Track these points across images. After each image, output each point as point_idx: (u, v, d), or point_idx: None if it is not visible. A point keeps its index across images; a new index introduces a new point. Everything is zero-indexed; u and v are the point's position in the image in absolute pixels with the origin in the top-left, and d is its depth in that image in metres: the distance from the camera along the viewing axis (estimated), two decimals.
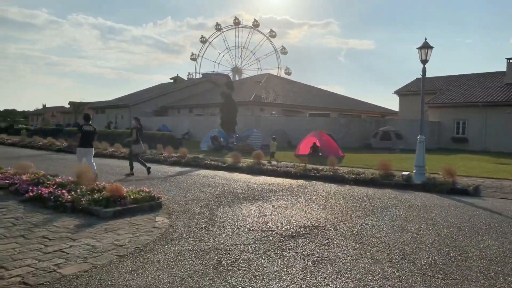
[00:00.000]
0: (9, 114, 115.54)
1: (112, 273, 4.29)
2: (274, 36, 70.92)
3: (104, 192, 7.44)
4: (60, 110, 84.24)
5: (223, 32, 70.87)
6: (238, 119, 27.27)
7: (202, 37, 71.59)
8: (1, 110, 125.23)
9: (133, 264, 4.57)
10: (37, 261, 4.54)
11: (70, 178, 8.89)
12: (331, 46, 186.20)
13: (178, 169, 14.65)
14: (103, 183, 8.35)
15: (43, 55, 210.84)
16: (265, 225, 6.48)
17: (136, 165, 12.81)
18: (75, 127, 13.69)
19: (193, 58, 72.21)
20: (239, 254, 5.00)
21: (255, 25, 70.36)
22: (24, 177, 9.05)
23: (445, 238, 5.98)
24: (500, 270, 4.65)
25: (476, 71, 36.75)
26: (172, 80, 56.61)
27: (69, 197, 7.23)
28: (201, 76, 62.11)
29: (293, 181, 11.94)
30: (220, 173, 13.66)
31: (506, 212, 8.00)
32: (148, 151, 18.86)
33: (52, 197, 7.32)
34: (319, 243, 5.55)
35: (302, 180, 12.15)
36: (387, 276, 4.36)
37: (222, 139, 24.71)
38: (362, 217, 7.23)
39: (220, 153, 20.80)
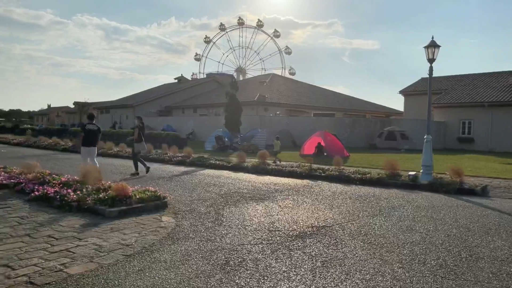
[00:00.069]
0: (15, 114, 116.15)
1: (119, 273, 4.25)
2: (278, 36, 70.91)
3: (109, 191, 7.41)
4: (65, 110, 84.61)
5: (227, 32, 70.96)
6: (243, 119, 27.22)
7: (206, 37, 71.71)
8: (7, 110, 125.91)
9: (139, 264, 4.53)
10: (43, 261, 4.51)
11: (75, 177, 8.88)
12: (335, 46, 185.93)
13: (183, 168, 14.62)
14: (109, 182, 8.32)
15: (48, 55, 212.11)
16: (272, 225, 6.42)
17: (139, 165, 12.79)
18: (79, 127, 13.69)
19: (197, 58, 72.36)
20: (247, 254, 4.94)
21: (259, 25, 70.35)
22: (29, 176, 9.04)
23: (455, 238, 5.89)
24: None
25: (482, 71, 36.43)
26: (176, 80, 56.70)
27: (74, 196, 7.20)
28: (205, 76, 62.20)
29: (298, 181, 11.87)
30: (225, 172, 13.61)
31: None
32: (153, 151, 18.86)
33: (57, 197, 7.29)
34: (327, 243, 5.49)
35: (307, 180, 12.08)
36: (397, 277, 4.28)
37: (226, 139, 24.67)
38: (370, 217, 7.15)
39: (224, 153, 20.76)
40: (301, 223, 6.59)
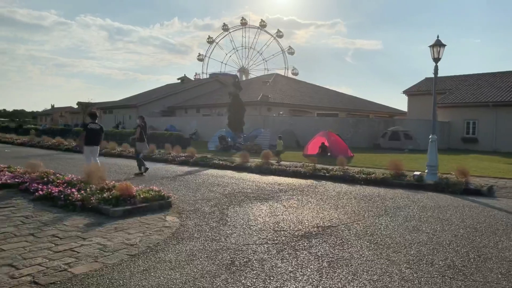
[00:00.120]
0: (18, 114, 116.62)
1: (124, 273, 4.21)
2: (281, 36, 70.93)
3: (113, 191, 7.38)
4: (68, 110, 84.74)
5: (230, 32, 71.05)
6: (246, 119, 27.19)
7: (209, 37, 71.78)
8: (10, 110, 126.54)
9: (144, 264, 4.49)
10: (47, 260, 4.48)
11: (79, 177, 8.86)
12: (338, 46, 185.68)
13: (186, 168, 14.59)
14: (113, 182, 8.30)
15: (51, 56, 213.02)
16: (277, 225, 6.37)
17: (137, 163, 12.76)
18: (82, 126, 13.69)
19: (200, 58, 72.45)
20: (252, 254, 4.89)
21: (262, 25, 70.37)
22: (33, 176, 9.04)
23: (462, 239, 5.83)
24: None
25: (486, 71, 36.21)
26: (179, 81, 56.72)
27: (78, 196, 7.18)
28: (208, 76, 62.22)
29: (302, 181, 11.81)
30: (229, 172, 13.57)
31: None
32: (156, 151, 18.85)
33: (62, 196, 7.27)
34: (333, 244, 5.43)
35: (311, 180, 12.02)
36: (405, 278, 4.23)
37: (229, 139, 24.63)
38: (375, 217, 7.09)
39: (228, 153, 20.72)
40: (307, 223, 6.54)
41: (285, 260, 4.70)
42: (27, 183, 8.47)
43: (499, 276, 4.36)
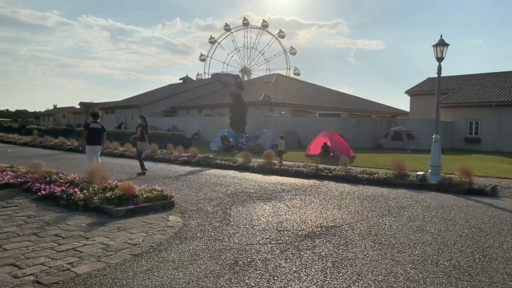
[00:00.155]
0: (21, 114, 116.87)
1: (127, 272, 4.19)
2: (283, 37, 70.83)
3: (116, 190, 7.36)
4: (70, 110, 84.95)
5: (232, 32, 71.04)
6: (248, 119, 27.16)
7: (211, 37, 71.78)
8: (13, 111, 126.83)
9: (147, 264, 4.47)
10: (50, 260, 4.46)
11: (82, 176, 8.85)
12: (340, 47, 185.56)
13: (188, 168, 14.57)
14: (115, 181, 8.28)
15: (54, 56, 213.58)
16: (280, 225, 6.34)
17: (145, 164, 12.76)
18: (84, 126, 13.69)
19: (202, 58, 72.45)
20: (256, 254, 4.86)
21: (264, 25, 70.32)
22: (36, 176, 9.03)
23: (467, 239, 5.78)
24: None
25: (488, 71, 36.06)
26: (181, 81, 56.74)
27: (81, 195, 7.17)
28: (210, 76, 62.22)
29: (305, 181, 11.78)
30: (231, 172, 13.55)
31: None
32: (159, 151, 18.85)
33: (64, 196, 7.26)
34: (337, 243, 5.40)
35: (314, 180, 11.98)
36: (410, 278, 4.19)
37: (231, 139, 24.61)
38: (379, 217, 7.05)
39: (230, 153, 20.69)
40: (310, 223, 6.50)
41: (289, 260, 4.67)
42: (30, 183, 8.46)
43: (505, 277, 4.32)
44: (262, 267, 4.42)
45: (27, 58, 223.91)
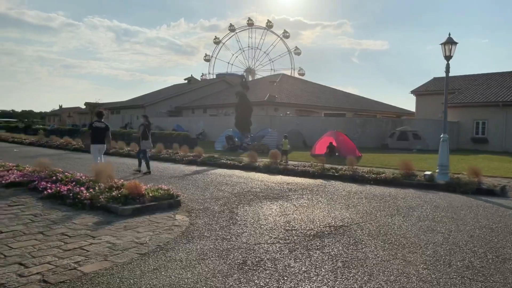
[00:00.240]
0: (27, 115, 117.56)
1: (134, 272, 4.13)
2: (287, 37, 70.68)
3: (122, 189, 7.32)
4: (76, 110, 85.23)
5: (236, 33, 70.95)
6: (253, 119, 27.06)
7: (215, 38, 71.75)
8: (19, 111, 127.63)
9: (155, 263, 4.41)
10: (56, 259, 4.41)
11: (88, 175, 8.82)
12: (344, 47, 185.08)
13: (194, 168, 14.52)
14: (121, 180, 8.25)
15: (59, 57, 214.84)
16: (288, 224, 6.26)
17: (149, 163, 12.72)
18: (88, 126, 13.67)
19: (207, 59, 72.43)
20: (264, 254, 4.79)
21: (269, 26, 70.19)
22: (42, 175, 9.01)
23: (479, 239, 5.68)
24: None
25: (494, 71, 35.72)
26: (186, 81, 56.77)
27: (87, 194, 7.13)
28: (214, 76, 62.23)
29: (311, 181, 11.69)
30: (237, 172, 13.48)
31: None
32: (164, 151, 18.83)
33: (70, 194, 7.23)
34: (346, 243, 5.31)
35: (320, 180, 11.89)
36: (423, 279, 4.10)
37: (236, 139, 24.55)
38: (388, 217, 6.95)
39: (235, 153, 20.64)
40: (318, 223, 6.42)
41: (298, 260, 4.60)
42: (36, 182, 8.43)
43: None
44: (271, 267, 4.35)
45: (32, 59, 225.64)
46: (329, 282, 3.98)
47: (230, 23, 71.82)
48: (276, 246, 5.13)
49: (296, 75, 65.36)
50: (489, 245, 5.40)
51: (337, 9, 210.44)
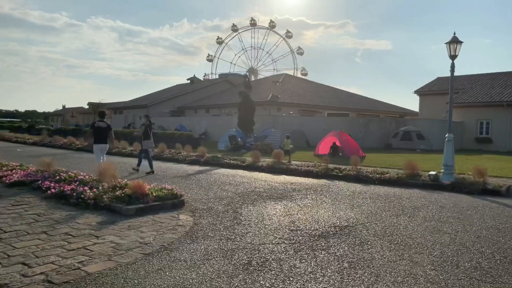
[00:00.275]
0: (30, 115, 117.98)
1: (138, 272, 4.10)
2: (290, 37, 70.51)
3: (126, 189, 7.30)
4: (79, 110, 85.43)
5: (239, 33, 70.87)
6: (256, 119, 27.02)
7: (218, 38, 71.66)
8: (22, 111, 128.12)
9: (159, 263, 4.37)
10: (60, 259, 4.38)
11: (91, 175, 8.80)
12: (347, 47, 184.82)
13: (197, 168, 14.49)
14: (125, 180, 8.22)
15: (63, 57, 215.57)
16: (292, 224, 6.21)
17: (145, 162, 12.68)
18: (90, 126, 13.69)
19: (209, 59, 72.39)
20: (269, 254, 4.75)
21: (271, 25, 70.05)
22: (46, 174, 9.00)
23: (486, 240, 5.61)
24: None
25: (498, 71, 35.53)
26: (188, 81, 56.78)
27: (91, 194, 7.11)
28: (217, 76, 62.21)
29: (315, 181, 11.63)
30: (240, 172, 13.44)
31: None
32: (167, 150, 18.81)
33: (74, 194, 7.20)
34: (352, 244, 5.26)
35: (324, 180, 11.83)
36: (431, 280, 4.04)
37: (239, 139, 24.51)
38: (393, 217, 6.90)
39: (238, 153, 20.60)
40: (323, 223, 6.37)
41: (303, 261, 4.55)
42: (39, 181, 8.42)
43: None
44: (276, 267, 4.30)
45: (37, 59, 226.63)
46: (335, 283, 3.93)
47: (233, 23, 71.76)
48: (281, 246, 5.09)
49: (299, 75, 65.25)
50: (497, 245, 5.34)
51: (340, 9, 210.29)
